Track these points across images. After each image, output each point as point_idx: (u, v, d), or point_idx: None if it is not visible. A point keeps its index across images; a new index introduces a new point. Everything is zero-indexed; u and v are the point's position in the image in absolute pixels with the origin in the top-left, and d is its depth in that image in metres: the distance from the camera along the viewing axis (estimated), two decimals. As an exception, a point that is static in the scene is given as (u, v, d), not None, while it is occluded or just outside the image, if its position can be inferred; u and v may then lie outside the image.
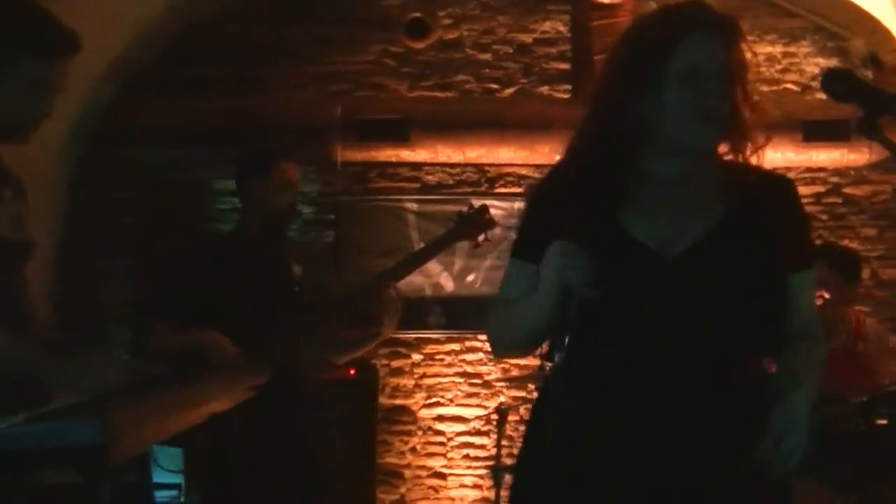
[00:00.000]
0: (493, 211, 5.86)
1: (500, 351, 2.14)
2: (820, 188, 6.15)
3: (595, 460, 1.87)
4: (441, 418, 6.10)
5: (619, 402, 1.87)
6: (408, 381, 6.11)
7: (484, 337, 5.95)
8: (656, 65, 1.90)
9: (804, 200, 2.06)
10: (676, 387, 1.84)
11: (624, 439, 1.86)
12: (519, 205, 6.11)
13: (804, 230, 2.03)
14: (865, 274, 5.17)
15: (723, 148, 1.99)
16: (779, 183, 2.02)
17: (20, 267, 2.49)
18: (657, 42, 1.93)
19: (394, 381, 6.09)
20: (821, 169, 6.04)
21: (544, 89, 6.29)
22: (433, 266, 6.03)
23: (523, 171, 6.20)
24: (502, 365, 6.09)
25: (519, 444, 5.84)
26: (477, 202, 5.97)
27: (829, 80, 1.84)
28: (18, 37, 2.34)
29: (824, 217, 6.13)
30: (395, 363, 6.11)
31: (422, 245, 5.99)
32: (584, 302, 1.79)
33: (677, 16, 1.96)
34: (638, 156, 1.93)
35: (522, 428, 5.88)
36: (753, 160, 1.96)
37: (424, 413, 6.10)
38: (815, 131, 5.56)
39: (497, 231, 6.01)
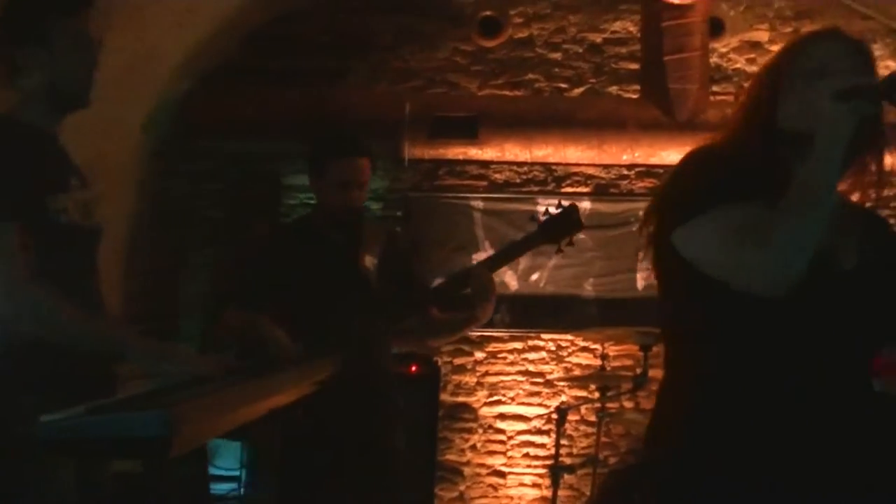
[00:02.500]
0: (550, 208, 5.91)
1: (793, 259, 1.75)
2: (888, 192, 6.02)
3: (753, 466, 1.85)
4: (502, 416, 6.10)
5: (777, 409, 1.86)
6: (470, 379, 6.11)
7: (547, 336, 6.04)
8: (787, 66, 1.97)
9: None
10: (827, 398, 1.85)
11: (780, 449, 1.85)
12: (587, 204, 6.08)
13: None
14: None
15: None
16: (883, 220, 2.09)
17: (93, 252, 2.54)
18: (790, 47, 2.01)
19: (456, 378, 6.10)
20: (891, 173, 5.89)
21: (614, 89, 6.25)
22: (498, 264, 6.02)
23: (591, 171, 6.17)
24: (564, 364, 6.07)
25: (579, 445, 5.81)
26: (545, 201, 6.03)
27: (890, 83, 1.80)
28: (47, 3, 2.40)
29: (893, 221, 6.00)
30: (458, 360, 6.11)
31: (487, 243, 6.03)
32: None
33: (814, 31, 2.06)
34: (784, 161, 1.92)
35: (583, 427, 5.91)
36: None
37: (486, 411, 6.10)
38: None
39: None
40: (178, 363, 2.34)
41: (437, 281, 3.71)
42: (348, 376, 3.05)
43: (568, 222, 3.33)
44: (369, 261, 3.45)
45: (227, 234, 5.95)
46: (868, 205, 2.04)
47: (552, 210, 3.36)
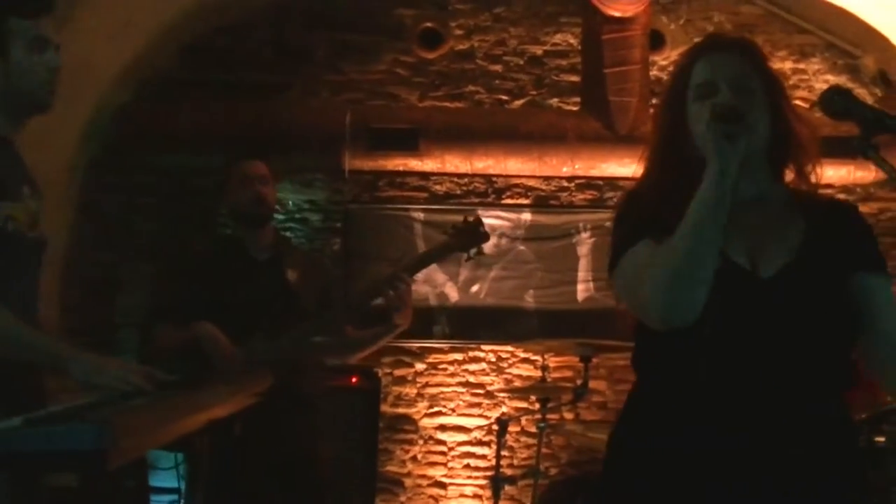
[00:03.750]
0: (498, 223, 5.95)
1: (674, 295, 1.80)
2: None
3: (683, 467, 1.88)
4: (443, 428, 6.10)
5: (706, 415, 1.87)
6: (410, 390, 6.11)
7: (488, 347, 6.06)
8: (682, 89, 2.00)
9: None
10: (763, 403, 1.84)
11: (711, 449, 1.86)
12: (527, 216, 6.12)
13: (874, 241, 2.03)
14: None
15: (789, 174, 2.07)
16: (846, 208, 2.10)
17: (36, 263, 2.52)
18: (679, 69, 2.05)
19: (397, 389, 6.10)
20: (828, 185, 6.00)
21: (554, 101, 6.31)
22: (438, 275, 6.05)
23: (531, 183, 6.21)
24: (504, 375, 6.09)
25: (519, 455, 5.83)
26: (485, 213, 6.07)
27: (827, 97, 1.85)
28: (4, 7, 2.39)
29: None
30: (399, 372, 6.11)
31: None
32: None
33: (697, 45, 2.08)
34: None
35: (524, 438, 5.94)
36: (813, 178, 2.03)
37: (426, 422, 6.10)
38: (823, 148, 5.54)
39: (503, 242, 6.14)
40: (114, 376, 2.32)
41: (353, 295, 3.85)
42: (282, 388, 3.08)
43: (474, 234, 3.54)
44: (291, 273, 3.57)
45: (163, 247, 5.90)
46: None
47: (458, 222, 3.60)
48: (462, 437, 6.09)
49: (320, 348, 3.50)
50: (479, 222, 3.57)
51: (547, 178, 6.20)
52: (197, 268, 3.61)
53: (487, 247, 5.74)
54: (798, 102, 6.15)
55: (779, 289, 1.88)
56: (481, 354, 6.14)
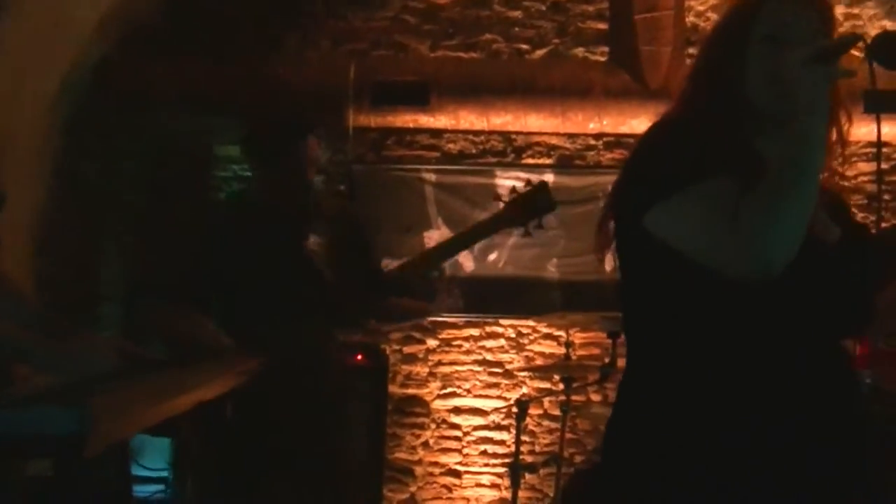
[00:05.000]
0: (517, 185, 5.92)
1: (778, 240, 1.77)
2: (883, 165, 6.10)
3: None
4: (457, 410, 6.14)
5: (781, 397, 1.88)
6: (421, 369, 6.14)
7: (507, 322, 6.07)
8: (744, 28, 1.98)
9: (865, 177, 2.13)
10: (810, 388, 1.89)
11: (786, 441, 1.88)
12: (549, 178, 6.11)
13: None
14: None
15: None
16: (839, 197, 2.11)
17: None
18: (744, 6, 2.02)
19: (406, 368, 6.13)
20: (886, 143, 5.96)
21: (579, 51, 6.28)
22: (451, 243, 6.04)
23: (554, 141, 6.20)
24: (525, 353, 6.11)
25: (541, 441, 5.85)
26: (504, 174, 6.06)
27: (881, 44, 1.82)
28: None
29: (886, 197, 6.09)
30: (408, 349, 6.15)
31: (440, 220, 6.05)
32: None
33: None
34: (747, 135, 1.94)
35: (546, 422, 5.95)
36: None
37: (439, 404, 6.14)
38: (878, 102, 5.47)
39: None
40: (86, 360, 2.32)
41: (391, 265, 3.71)
42: (289, 375, 3.07)
43: (539, 201, 3.36)
44: (314, 242, 3.46)
45: (148, 215, 5.92)
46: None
47: (519, 187, 3.38)
48: (478, 420, 6.13)
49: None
50: (544, 188, 3.40)
51: (571, 136, 6.19)
52: (196, 237, 3.51)
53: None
54: (851, 51, 6.12)
55: (842, 259, 1.92)
56: (499, 330, 6.16)
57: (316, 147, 3.41)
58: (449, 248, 3.44)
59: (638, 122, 5.84)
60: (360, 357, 5.20)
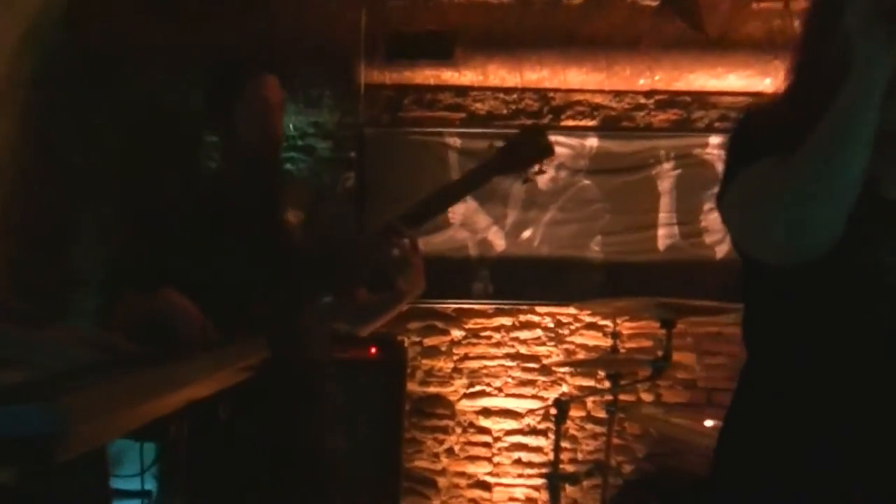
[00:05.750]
0: (558, 150, 5.92)
1: (802, 213, 1.78)
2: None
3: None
4: (486, 412, 6.14)
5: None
6: (445, 364, 6.15)
7: (543, 309, 6.06)
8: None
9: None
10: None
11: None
12: (593, 142, 6.11)
13: None
14: None
15: None
16: None
17: None
18: None
19: (427, 363, 6.14)
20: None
21: (627, -5, 6.25)
22: (479, 218, 6.05)
23: (598, 100, 6.18)
24: (565, 346, 6.10)
25: (584, 448, 5.85)
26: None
27: None
28: None
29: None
30: (430, 341, 6.15)
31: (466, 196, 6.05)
32: None
33: None
34: None
35: (589, 426, 5.95)
36: None
37: (465, 405, 6.14)
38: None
39: (562, 176, 6.12)
40: (58, 352, 2.33)
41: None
42: (278, 362, 3.07)
43: (534, 145, 3.35)
44: (293, 214, 3.49)
45: (127, 187, 5.92)
46: None
47: (512, 135, 3.41)
48: (511, 423, 6.13)
49: (325, 312, 3.48)
50: (539, 131, 3.40)
51: (618, 94, 6.17)
52: (170, 217, 3.52)
53: (542, 181, 5.76)
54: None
55: None
56: (535, 319, 6.16)
57: (273, 89, 3.40)
58: (429, 207, 3.42)
59: (695, 77, 5.82)
60: (373, 350, 5.19)
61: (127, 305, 3.27)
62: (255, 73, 3.41)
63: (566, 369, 6.07)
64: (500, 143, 3.34)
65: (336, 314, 3.56)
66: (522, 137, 3.36)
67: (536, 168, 3.35)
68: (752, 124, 2.03)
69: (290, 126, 6.06)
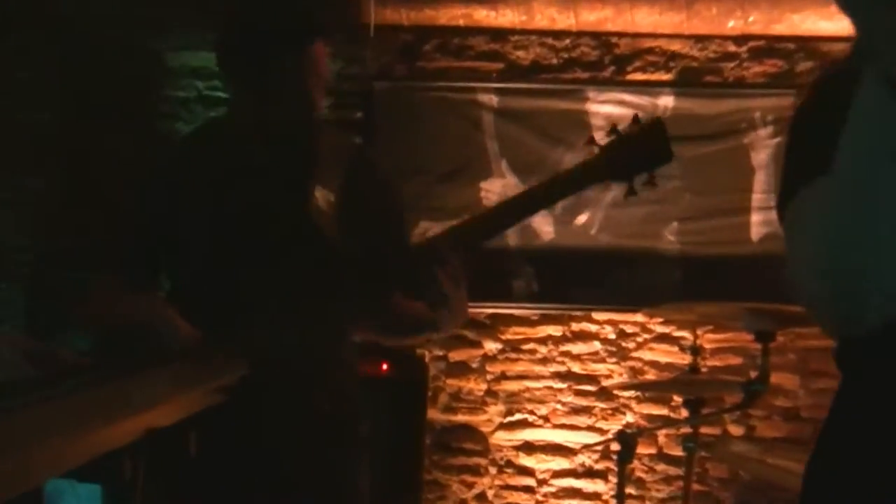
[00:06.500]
0: (619, 111, 5.93)
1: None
2: None
3: None
4: (528, 447, 6.15)
5: None
6: (476, 386, 6.16)
7: (602, 316, 6.05)
8: None
9: None
10: None
11: None
12: (668, 101, 6.13)
13: None
14: None
15: None
16: None
17: None
18: None
19: (453, 383, 6.15)
20: None
21: (711, -88, 6.24)
22: (522, 199, 6.03)
23: (675, 47, 6.17)
24: (630, 362, 6.10)
25: (655, 495, 5.87)
26: (600, 96, 6.02)
27: None
28: None
29: None
30: (457, 355, 6.17)
31: (504, 163, 6.03)
32: None
33: None
34: None
35: (662, 466, 5.93)
36: None
37: (502, 438, 6.15)
38: None
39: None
40: None
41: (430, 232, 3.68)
42: (278, 381, 3.05)
43: (649, 147, 3.25)
44: (323, 196, 3.43)
45: (65, 151, 5.94)
46: None
47: (623, 123, 3.26)
48: (560, 462, 6.14)
49: (353, 317, 3.45)
50: (659, 128, 3.25)
51: (700, 39, 6.16)
52: (146, 184, 3.52)
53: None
54: None
55: None
56: (591, 328, 6.16)
57: (323, 57, 3.38)
58: (514, 211, 3.36)
59: (800, 18, 5.80)
60: (384, 366, 5.18)
61: (94, 303, 3.26)
62: (303, 38, 3.33)
63: (631, 393, 6.07)
64: (603, 141, 3.26)
65: (365, 322, 3.53)
66: (637, 136, 3.23)
67: (646, 176, 3.24)
68: (827, 93, 1.98)
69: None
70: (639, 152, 3.21)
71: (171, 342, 3.02)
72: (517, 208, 3.28)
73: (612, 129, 3.22)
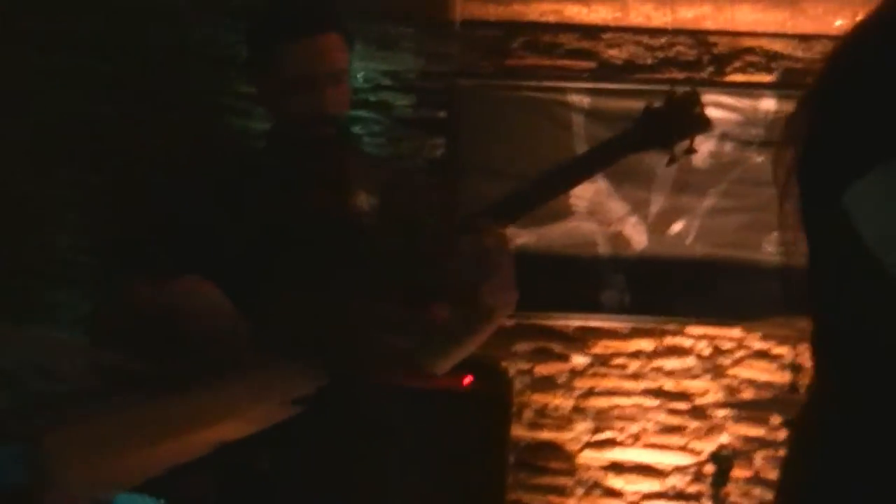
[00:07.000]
0: (719, 115, 5.88)
1: None
2: None
3: None
4: (617, 468, 6.13)
5: None
6: (563, 402, 6.14)
7: (698, 330, 6.01)
8: None
9: None
10: None
11: None
12: (770, 104, 6.08)
13: None
14: None
15: None
16: None
17: None
18: None
19: (539, 399, 6.13)
20: None
21: None
22: (614, 206, 6.02)
23: (777, 46, 6.13)
24: (726, 379, 6.06)
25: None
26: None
27: None
28: None
29: None
30: (543, 369, 6.15)
31: (596, 176, 6.01)
32: None
33: None
34: None
35: (758, 490, 5.88)
36: None
37: (590, 457, 6.13)
38: None
39: (727, 149, 6.05)
40: (50, 362, 2.32)
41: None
42: (339, 391, 3.06)
43: (685, 115, 3.35)
44: (365, 199, 3.49)
45: (129, 145, 5.96)
46: None
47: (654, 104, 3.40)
48: (650, 484, 6.12)
49: (393, 328, 3.45)
50: (691, 97, 3.37)
51: (805, 39, 6.11)
52: (196, 192, 3.55)
53: (700, 157, 5.74)
54: None
55: None
56: (686, 342, 6.14)
57: (336, 52, 3.39)
58: (553, 183, 3.39)
59: (913, 16, 5.73)
60: (467, 380, 5.18)
61: (139, 294, 3.25)
62: (301, 31, 3.38)
63: (727, 412, 6.02)
64: (641, 114, 3.34)
65: (406, 333, 3.53)
66: (668, 105, 3.35)
67: (687, 144, 3.36)
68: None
69: (359, 76, 6.08)
70: (675, 120, 3.33)
71: (213, 328, 3.03)
72: (556, 181, 3.34)
73: (647, 107, 3.34)
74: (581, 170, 3.39)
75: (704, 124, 3.35)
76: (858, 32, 1.99)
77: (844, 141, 1.91)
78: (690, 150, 3.36)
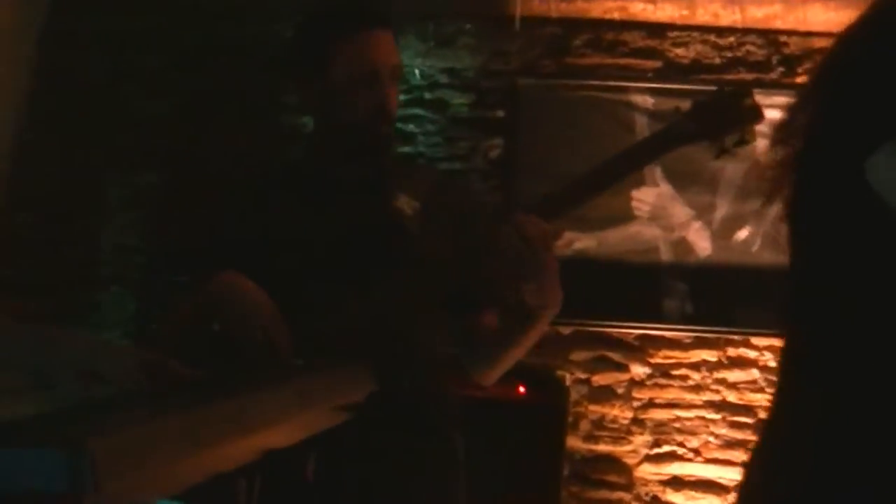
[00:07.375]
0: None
1: None
2: None
3: None
4: (677, 482, 6.12)
5: None
6: (621, 413, 6.13)
7: (762, 342, 5.98)
8: None
9: None
10: None
11: None
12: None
13: None
14: None
15: None
16: None
17: None
18: None
19: (596, 410, 6.12)
20: None
21: None
22: (677, 210, 6.00)
23: (851, 47, 6.09)
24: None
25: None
26: (763, 100, 5.96)
27: None
28: None
29: None
30: (601, 379, 6.14)
31: (659, 170, 5.99)
32: None
33: None
34: None
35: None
36: None
37: (648, 471, 6.12)
38: None
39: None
40: (93, 364, 2.33)
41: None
42: (383, 399, 3.06)
43: (734, 108, 3.35)
44: (407, 203, 3.48)
45: (175, 152, 6.01)
46: None
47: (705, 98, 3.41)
48: (712, 500, 6.10)
49: (441, 334, 3.46)
50: (744, 92, 3.38)
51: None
52: (237, 191, 3.63)
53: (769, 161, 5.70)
54: None
55: None
56: (750, 354, 6.12)
57: (386, 49, 3.40)
58: (604, 176, 3.38)
59: None
60: (521, 389, 5.17)
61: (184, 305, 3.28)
62: (359, 25, 3.39)
63: (792, 426, 5.97)
64: (691, 107, 3.34)
65: (453, 340, 3.53)
66: (717, 97, 3.37)
67: (737, 136, 3.34)
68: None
69: (416, 72, 6.09)
70: (726, 112, 3.33)
71: (252, 322, 3.04)
72: (603, 175, 3.33)
73: (697, 102, 3.35)
74: (629, 163, 3.39)
75: (755, 116, 3.33)
76: (871, 15, 1.99)
77: (868, 103, 1.92)
78: (742, 142, 3.34)
